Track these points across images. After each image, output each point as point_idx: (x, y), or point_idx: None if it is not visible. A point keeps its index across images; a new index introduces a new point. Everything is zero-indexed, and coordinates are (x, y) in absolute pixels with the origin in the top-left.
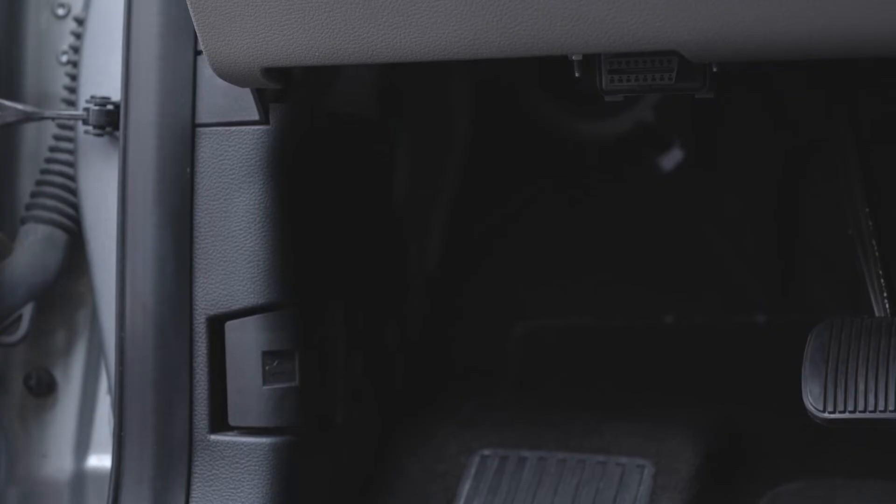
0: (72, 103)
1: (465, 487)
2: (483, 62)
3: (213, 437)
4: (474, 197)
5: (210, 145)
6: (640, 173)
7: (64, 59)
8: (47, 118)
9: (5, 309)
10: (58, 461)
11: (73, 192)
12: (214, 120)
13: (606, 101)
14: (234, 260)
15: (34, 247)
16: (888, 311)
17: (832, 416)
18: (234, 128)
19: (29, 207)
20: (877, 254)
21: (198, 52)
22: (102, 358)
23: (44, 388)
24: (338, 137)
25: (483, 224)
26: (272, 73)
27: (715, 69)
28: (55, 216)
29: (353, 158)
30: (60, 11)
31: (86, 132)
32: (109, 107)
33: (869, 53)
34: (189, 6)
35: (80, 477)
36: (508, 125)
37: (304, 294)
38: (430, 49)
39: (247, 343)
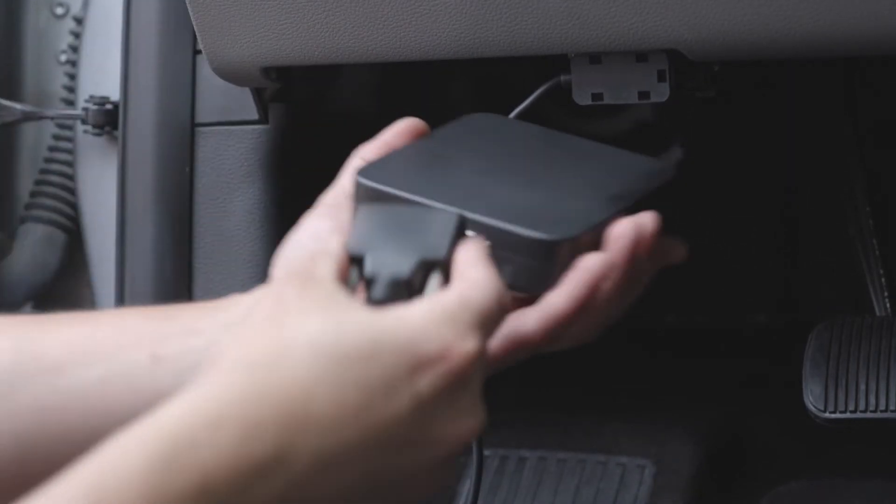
0: (71, 103)
1: (466, 487)
2: (483, 61)
3: None
4: None
5: (209, 145)
6: None
7: (63, 58)
8: (46, 118)
9: (4, 309)
10: None
11: (73, 191)
12: (214, 119)
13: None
14: (233, 260)
15: (33, 246)
16: (889, 310)
17: (833, 416)
18: (233, 127)
19: (28, 207)
20: (877, 254)
21: (197, 52)
22: None
23: None
24: (337, 137)
25: None
26: (272, 72)
27: (717, 68)
28: (54, 216)
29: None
30: (59, 11)
31: (84, 132)
32: (108, 106)
33: (869, 53)
34: (188, 5)
35: None
36: None
37: None
38: (430, 48)
39: None
